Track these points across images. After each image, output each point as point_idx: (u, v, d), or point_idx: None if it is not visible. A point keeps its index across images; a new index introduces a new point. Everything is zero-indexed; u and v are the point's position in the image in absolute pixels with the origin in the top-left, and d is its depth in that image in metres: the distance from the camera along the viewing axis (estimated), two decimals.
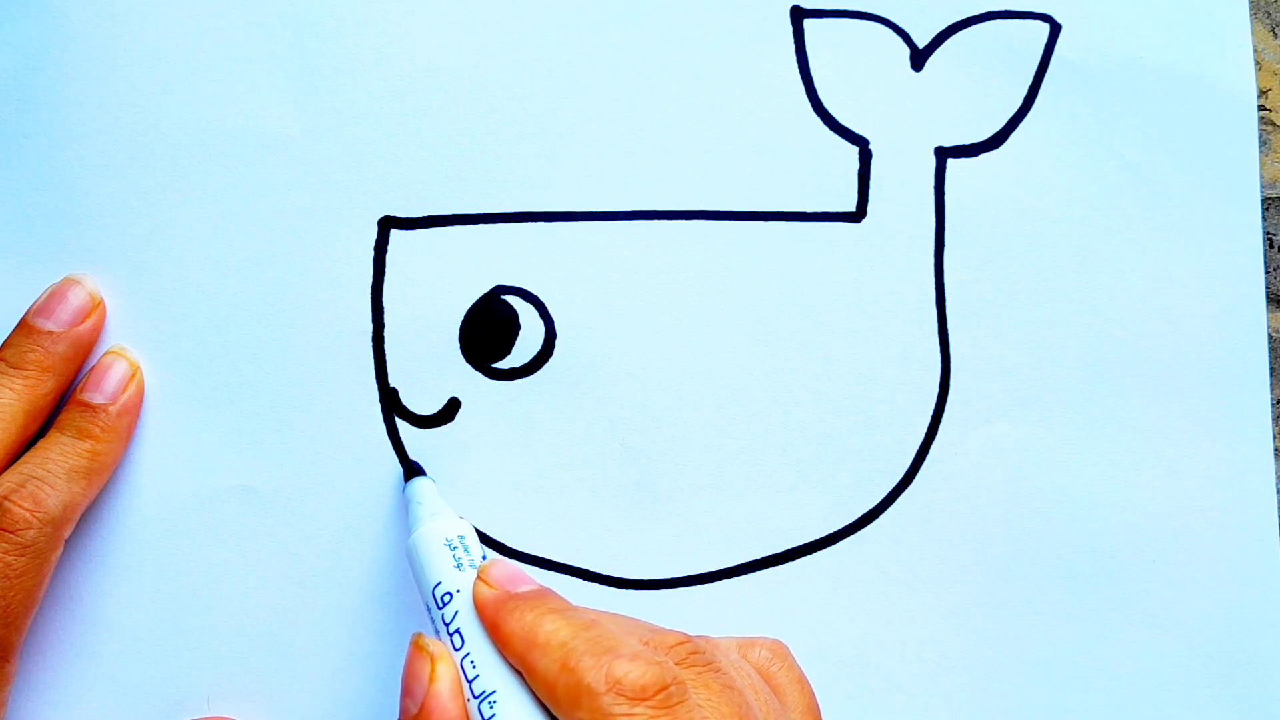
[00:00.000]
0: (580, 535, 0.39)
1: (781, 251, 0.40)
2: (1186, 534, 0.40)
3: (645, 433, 0.40)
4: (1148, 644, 0.40)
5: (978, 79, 0.41)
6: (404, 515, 0.39)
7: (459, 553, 0.34)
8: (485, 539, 0.39)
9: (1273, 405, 0.41)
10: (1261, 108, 0.43)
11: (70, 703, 0.38)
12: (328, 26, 0.40)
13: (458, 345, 0.40)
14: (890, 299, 0.41)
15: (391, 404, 0.39)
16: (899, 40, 0.41)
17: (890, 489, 0.40)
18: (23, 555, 0.35)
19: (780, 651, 0.34)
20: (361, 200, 0.40)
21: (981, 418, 0.41)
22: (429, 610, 0.34)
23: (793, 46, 0.41)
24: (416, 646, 0.32)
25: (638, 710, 0.28)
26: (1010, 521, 0.40)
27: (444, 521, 0.35)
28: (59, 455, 0.36)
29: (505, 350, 0.40)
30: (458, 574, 0.34)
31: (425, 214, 0.40)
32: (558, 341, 0.40)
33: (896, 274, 0.41)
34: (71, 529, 0.37)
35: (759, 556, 0.40)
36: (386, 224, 0.40)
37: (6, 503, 0.35)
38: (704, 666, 0.31)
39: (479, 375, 0.40)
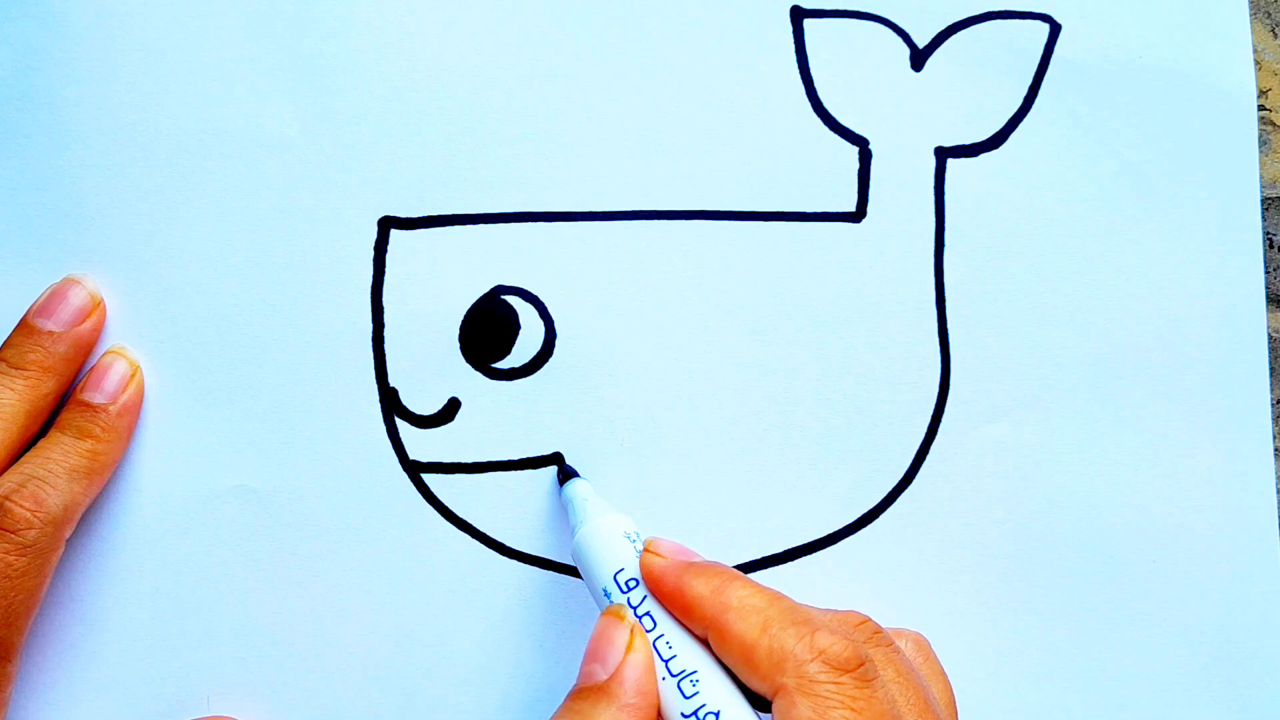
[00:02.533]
0: None
1: (781, 251, 0.40)
2: (1186, 534, 0.40)
3: (645, 433, 0.40)
4: (1148, 644, 0.40)
5: (978, 79, 0.41)
6: (402, 516, 0.39)
7: (638, 544, 0.34)
8: (485, 539, 0.39)
9: (1273, 405, 0.41)
10: (1261, 108, 0.43)
11: (70, 703, 0.38)
12: (328, 26, 0.40)
13: (458, 345, 0.40)
14: (890, 299, 0.41)
15: (391, 404, 0.39)
16: (899, 40, 0.41)
17: (890, 489, 0.40)
18: (24, 555, 0.35)
19: (924, 646, 0.35)
20: (361, 200, 0.40)
21: (981, 418, 0.41)
22: (606, 598, 0.34)
23: (793, 46, 0.41)
24: (613, 614, 0.33)
25: (843, 680, 0.29)
26: (1010, 521, 0.40)
27: (618, 517, 0.35)
28: (60, 455, 0.36)
29: (505, 350, 0.40)
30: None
31: (425, 214, 0.40)
32: (558, 341, 0.40)
33: (896, 274, 0.41)
34: (72, 529, 0.37)
35: (759, 556, 0.40)
36: (386, 224, 0.40)
37: (8, 503, 0.35)
38: (888, 647, 0.32)
39: (479, 375, 0.40)
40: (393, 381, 0.39)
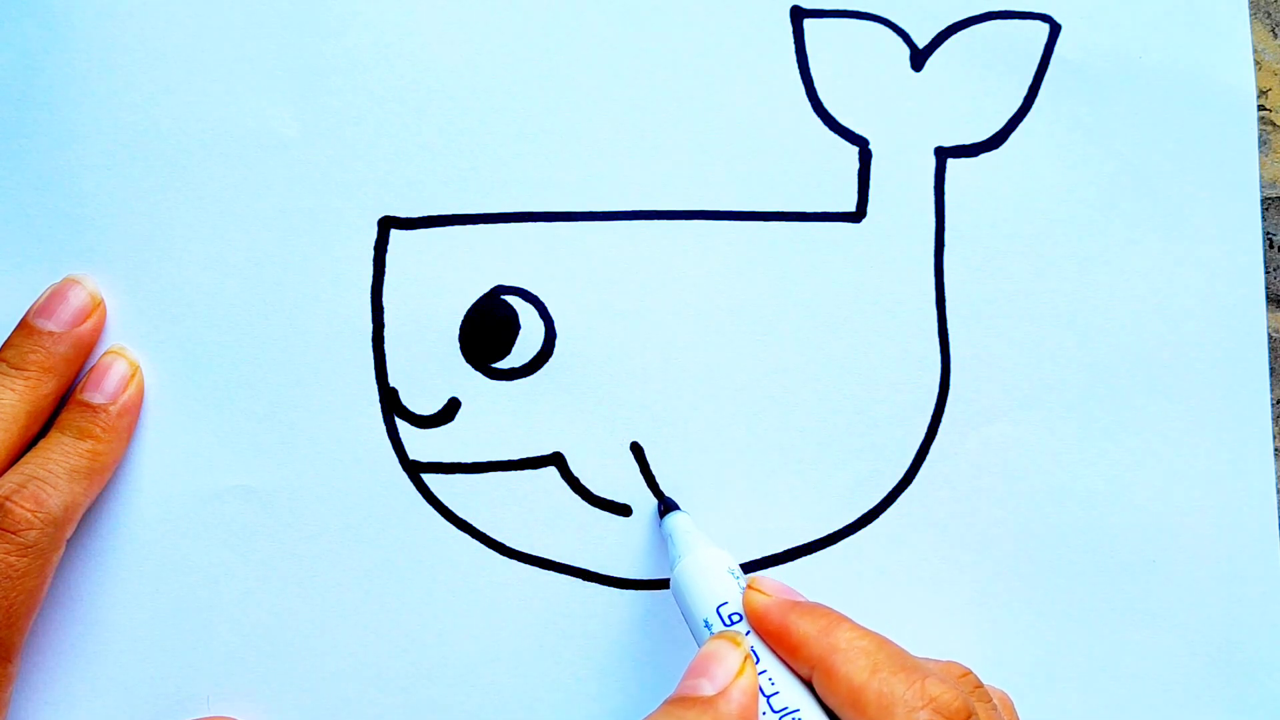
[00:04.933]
0: (580, 535, 0.39)
1: (781, 251, 0.40)
2: (1186, 534, 0.40)
3: (645, 433, 0.40)
4: (1148, 644, 0.40)
5: (978, 79, 0.41)
6: (402, 516, 0.39)
7: (740, 580, 0.35)
8: (485, 539, 0.39)
9: (1273, 405, 0.41)
10: (1261, 108, 0.43)
11: (70, 703, 0.38)
12: (328, 26, 0.40)
13: (458, 345, 0.40)
14: (890, 299, 0.41)
15: (391, 404, 0.39)
16: (899, 40, 0.41)
17: (890, 489, 0.40)
18: (24, 555, 0.35)
19: (1009, 706, 0.36)
20: (361, 200, 0.40)
21: (981, 418, 0.41)
22: (707, 629, 0.34)
23: (793, 46, 0.41)
24: (727, 638, 0.33)
25: None
26: (1010, 521, 0.40)
27: (720, 551, 0.36)
28: (60, 455, 0.36)
29: (505, 350, 0.40)
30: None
31: (425, 214, 0.40)
32: (558, 341, 0.40)
33: (896, 274, 0.41)
34: (73, 529, 0.37)
35: (759, 556, 0.40)
36: (386, 224, 0.40)
37: (8, 503, 0.35)
38: (988, 703, 0.33)
39: (479, 375, 0.40)
40: (393, 381, 0.39)
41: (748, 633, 0.33)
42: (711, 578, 0.35)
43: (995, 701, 0.34)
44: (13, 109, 0.39)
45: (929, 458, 0.40)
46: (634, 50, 0.40)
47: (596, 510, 0.40)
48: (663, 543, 0.39)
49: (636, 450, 0.40)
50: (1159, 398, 0.41)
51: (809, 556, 0.40)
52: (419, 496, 0.39)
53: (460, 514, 0.39)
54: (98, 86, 0.39)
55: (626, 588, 0.39)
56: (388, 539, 0.39)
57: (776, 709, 0.31)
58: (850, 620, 0.33)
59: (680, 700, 0.31)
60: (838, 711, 0.31)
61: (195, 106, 0.39)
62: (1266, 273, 0.42)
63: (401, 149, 0.40)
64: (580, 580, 0.39)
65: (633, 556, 0.39)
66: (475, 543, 0.39)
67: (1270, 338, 0.42)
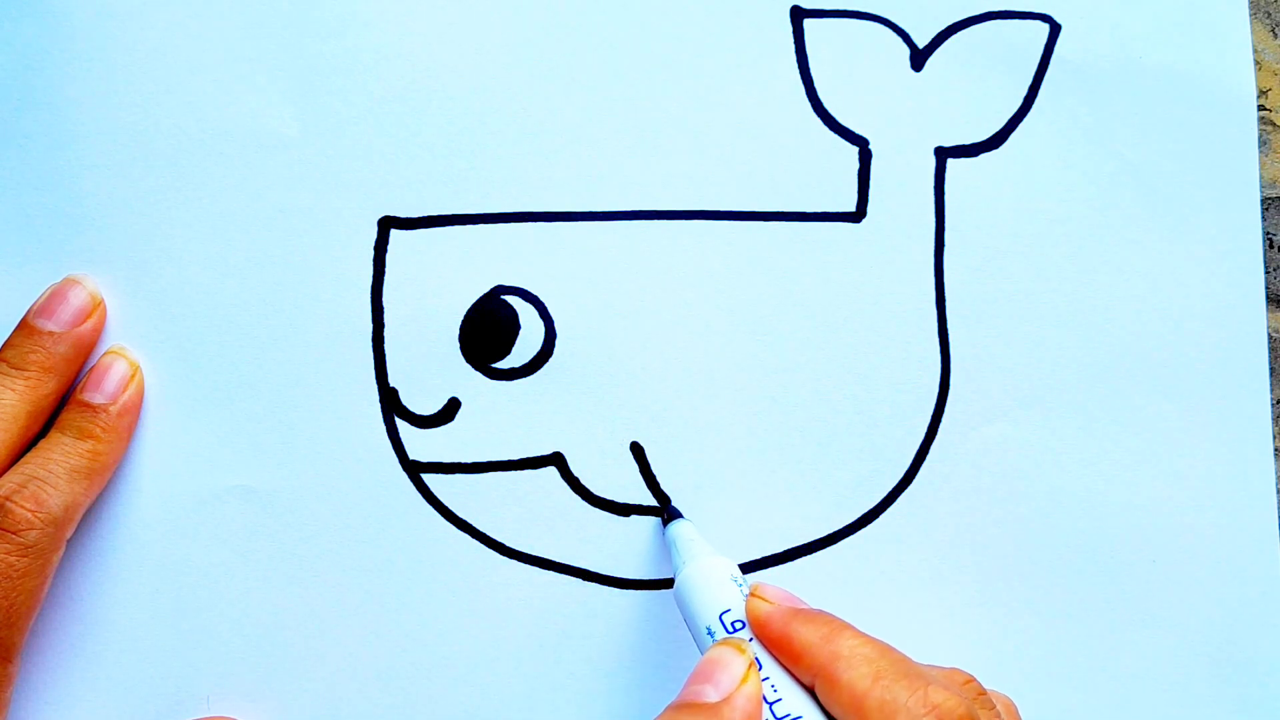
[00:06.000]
0: (580, 535, 0.40)
1: (781, 251, 0.40)
2: (1186, 534, 0.40)
3: (645, 433, 0.40)
4: (1148, 644, 0.40)
5: (978, 79, 0.41)
6: (402, 516, 0.39)
7: (744, 588, 0.35)
8: (485, 539, 0.39)
9: (1273, 405, 0.41)
10: (1261, 108, 0.43)
11: (70, 703, 0.38)
12: (328, 26, 0.40)
13: (458, 345, 0.40)
14: (890, 299, 0.41)
15: (391, 404, 0.39)
16: (899, 40, 0.41)
17: (890, 489, 0.40)
18: (25, 556, 0.35)
19: (1013, 711, 0.36)
20: (361, 200, 0.40)
21: (981, 418, 0.41)
22: (710, 637, 0.34)
23: (793, 46, 0.41)
24: (732, 644, 0.33)
25: None
26: (1010, 521, 0.40)
27: (723, 560, 0.36)
28: (60, 456, 0.36)
29: (505, 350, 0.40)
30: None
31: (425, 214, 0.40)
32: (558, 341, 0.40)
33: (896, 274, 0.41)
34: (73, 529, 0.37)
35: (759, 556, 0.40)
36: (386, 224, 0.40)
37: (9, 503, 0.35)
38: (991, 710, 0.33)
39: (479, 375, 0.40)
40: (393, 381, 0.39)
41: (750, 640, 0.33)
42: (715, 585, 0.35)
43: (999, 708, 0.34)
44: (13, 109, 0.39)
45: (929, 458, 0.40)
46: (634, 50, 0.40)
47: (596, 510, 0.40)
48: (663, 542, 0.39)
49: (636, 450, 0.40)
50: (1159, 398, 0.41)
51: (809, 556, 0.40)
52: (419, 496, 0.39)
53: (460, 514, 0.39)
54: (98, 86, 0.39)
55: (626, 588, 0.39)
56: (388, 539, 0.39)
57: (779, 716, 0.31)
58: (853, 627, 0.33)
59: (684, 706, 0.31)
60: (839, 718, 0.31)
61: (195, 106, 0.39)
62: (1266, 273, 0.42)
63: (401, 149, 0.40)
64: (580, 580, 0.39)
65: (633, 556, 0.39)
66: (475, 543, 0.39)
67: (1270, 338, 0.42)
